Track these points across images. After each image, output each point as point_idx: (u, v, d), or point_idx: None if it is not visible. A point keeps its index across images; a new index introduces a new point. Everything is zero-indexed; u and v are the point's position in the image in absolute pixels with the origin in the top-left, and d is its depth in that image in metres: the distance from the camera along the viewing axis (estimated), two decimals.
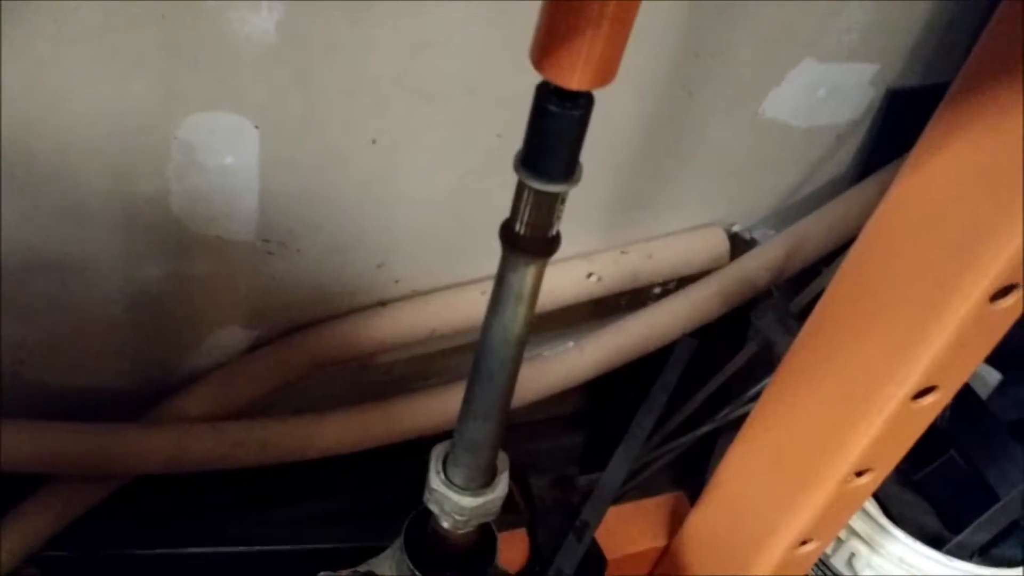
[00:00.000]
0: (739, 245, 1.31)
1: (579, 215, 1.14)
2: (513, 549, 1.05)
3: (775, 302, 1.19)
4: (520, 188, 0.51)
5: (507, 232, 0.53)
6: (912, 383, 0.78)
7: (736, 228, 1.32)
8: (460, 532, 0.69)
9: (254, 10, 0.82)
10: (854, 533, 1.10)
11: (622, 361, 1.27)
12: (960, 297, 0.72)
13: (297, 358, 1.10)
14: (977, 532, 1.07)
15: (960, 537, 1.08)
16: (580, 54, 0.43)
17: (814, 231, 1.27)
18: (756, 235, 1.33)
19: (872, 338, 0.81)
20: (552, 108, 0.47)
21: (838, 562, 1.13)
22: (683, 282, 1.30)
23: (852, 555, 1.11)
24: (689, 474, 1.27)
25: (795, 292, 1.20)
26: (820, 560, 1.14)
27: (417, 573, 0.70)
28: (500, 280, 0.55)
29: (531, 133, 0.48)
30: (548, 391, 1.25)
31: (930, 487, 1.12)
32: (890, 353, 0.79)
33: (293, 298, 1.08)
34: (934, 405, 0.81)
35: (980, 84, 0.69)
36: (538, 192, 0.50)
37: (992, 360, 1.13)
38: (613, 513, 1.12)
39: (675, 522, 1.18)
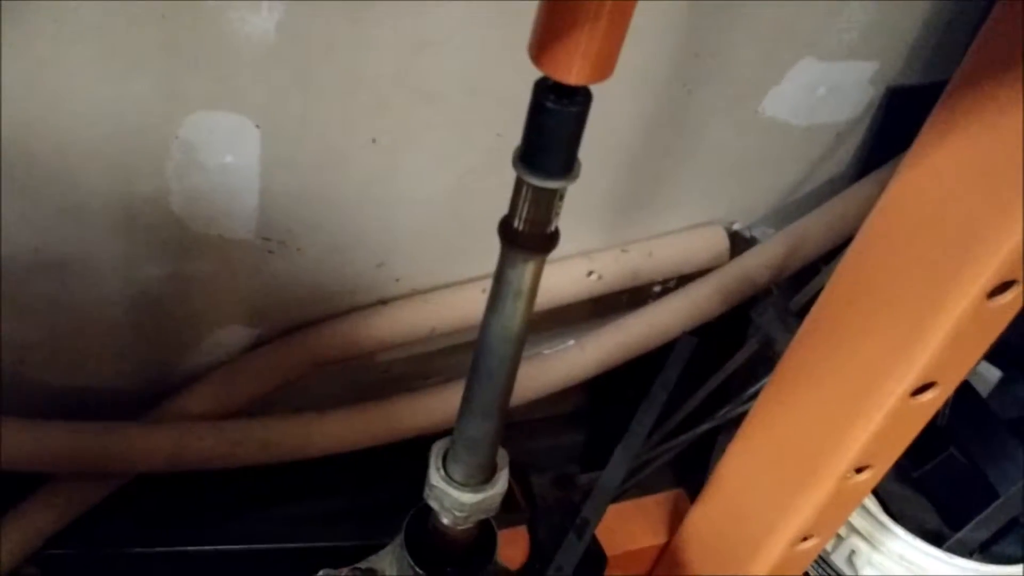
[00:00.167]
0: (739, 243, 1.31)
1: (580, 213, 1.15)
2: (514, 547, 1.05)
3: (775, 300, 1.19)
4: (519, 184, 0.51)
5: (506, 228, 0.53)
6: (911, 379, 0.78)
7: (736, 226, 1.32)
8: (460, 528, 0.69)
9: (254, 10, 0.82)
10: (854, 530, 1.10)
11: (622, 359, 1.27)
12: (958, 293, 0.72)
13: (297, 357, 1.10)
14: (977, 529, 1.07)
15: (960, 534, 1.08)
16: (578, 49, 0.43)
17: (814, 229, 1.27)
18: (756, 233, 1.34)
19: (871, 334, 0.81)
20: (550, 104, 0.47)
21: (838, 559, 1.13)
22: (683, 280, 1.31)
23: (852, 552, 1.11)
24: (690, 472, 1.27)
25: (795, 290, 1.20)
26: (820, 557, 1.14)
27: (417, 570, 0.70)
28: (499, 277, 0.55)
29: (529, 129, 0.48)
30: (549, 389, 1.25)
31: (930, 484, 1.13)
32: (889, 349, 0.79)
33: (293, 297, 1.09)
34: (933, 401, 0.81)
35: (978, 81, 0.69)
36: (536, 188, 0.50)
37: (992, 358, 1.14)
38: (613, 510, 1.12)
39: (675, 519, 1.18)
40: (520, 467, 1.31)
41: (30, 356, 1.00)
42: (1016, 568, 1.08)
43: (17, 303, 0.95)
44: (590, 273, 1.21)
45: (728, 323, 1.27)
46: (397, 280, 1.13)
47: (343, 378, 1.18)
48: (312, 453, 1.12)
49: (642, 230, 1.25)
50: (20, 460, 0.97)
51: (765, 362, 1.12)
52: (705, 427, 1.25)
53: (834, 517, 0.96)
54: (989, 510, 1.07)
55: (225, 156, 0.91)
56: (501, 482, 0.67)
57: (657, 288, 1.33)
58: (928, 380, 0.79)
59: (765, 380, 0.97)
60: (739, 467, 1.03)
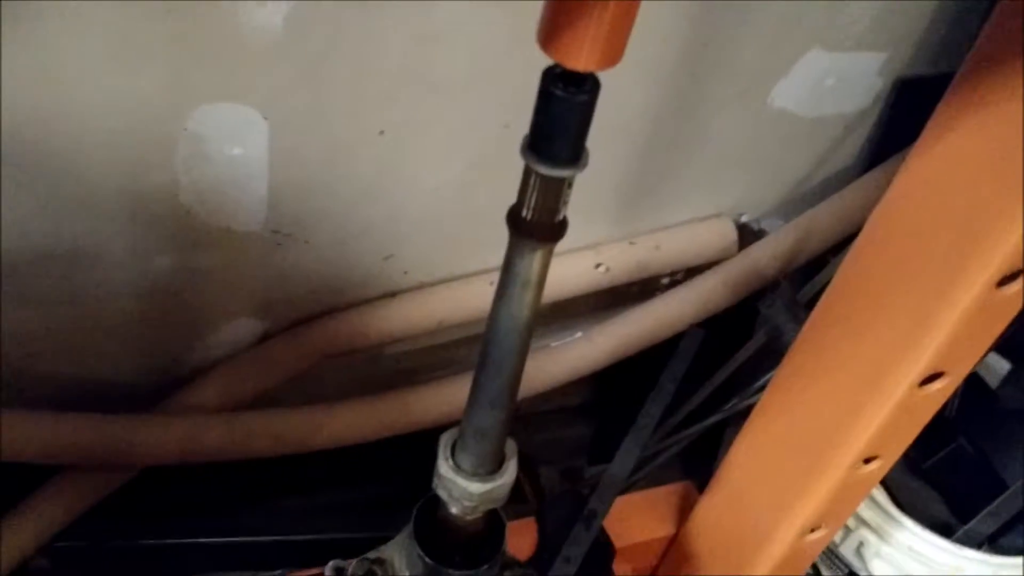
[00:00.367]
0: (747, 235, 1.31)
1: (587, 206, 1.15)
2: (522, 538, 1.06)
3: (783, 292, 1.19)
4: (527, 173, 0.51)
5: (514, 217, 0.53)
6: (919, 369, 0.78)
7: (744, 218, 1.32)
8: (469, 518, 0.69)
9: (262, 3, 0.82)
10: (863, 522, 1.10)
11: (630, 351, 1.27)
12: (967, 283, 0.72)
13: (307, 349, 1.10)
14: (986, 521, 1.07)
15: (969, 526, 1.08)
16: (587, 34, 0.43)
17: (822, 221, 1.27)
18: (764, 225, 1.34)
19: (879, 325, 0.81)
20: (558, 92, 0.47)
21: (847, 551, 1.13)
22: (691, 272, 1.31)
23: (861, 544, 1.11)
24: (698, 463, 1.28)
25: (803, 282, 1.20)
26: (829, 549, 1.14)
27: (426, 560, 0.70)
28: (507, 266, 0.55)
29: (538, 118, 0.48)
30: (557, 381, 1.25)
31: (939, 476, 1.12)
32: (897, 339, 0.79)
33: (302, 289, 1.09)
34: (942, 391, 0.81)
35: (986, 71, 0.69)
36: (545, 177, 0.50)
37: (1001, 349, 1.13)
38: (622, 502, 1.12)
39: (684, 511, 1.18)
40: (528, 459, 1.31)
41: (39, 348, 1.01)
42: None
43: (28, 295, 0.95)
44: (598, 265, 1.21)
45: (736, 315, 1.27)
46: (405, 272, 1.13)
47: (352, 370, 1.18)
48: (321, 445, 1.12)
49: (650, 222, 1.25)
50: (29, 452, 0.97)
51: (773, 354, 1.12)
52: (714, 419, 1.25)
53: (842, 508, 0.96)
54: (998, 502, 1.07)
55: (234, 148, 0.91)
56: (509, 472, 0.67)
57: (665, 280, 1.33)
58: (937, 370, 0.79)
59: (773, 372, 0.97)
60: (747, 459, 1.03)
